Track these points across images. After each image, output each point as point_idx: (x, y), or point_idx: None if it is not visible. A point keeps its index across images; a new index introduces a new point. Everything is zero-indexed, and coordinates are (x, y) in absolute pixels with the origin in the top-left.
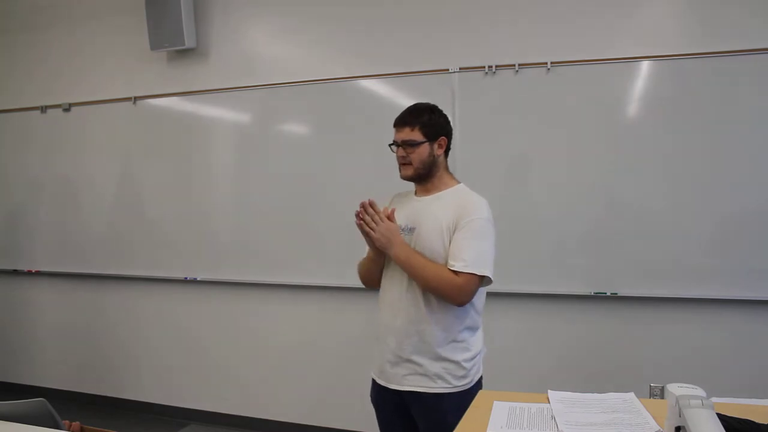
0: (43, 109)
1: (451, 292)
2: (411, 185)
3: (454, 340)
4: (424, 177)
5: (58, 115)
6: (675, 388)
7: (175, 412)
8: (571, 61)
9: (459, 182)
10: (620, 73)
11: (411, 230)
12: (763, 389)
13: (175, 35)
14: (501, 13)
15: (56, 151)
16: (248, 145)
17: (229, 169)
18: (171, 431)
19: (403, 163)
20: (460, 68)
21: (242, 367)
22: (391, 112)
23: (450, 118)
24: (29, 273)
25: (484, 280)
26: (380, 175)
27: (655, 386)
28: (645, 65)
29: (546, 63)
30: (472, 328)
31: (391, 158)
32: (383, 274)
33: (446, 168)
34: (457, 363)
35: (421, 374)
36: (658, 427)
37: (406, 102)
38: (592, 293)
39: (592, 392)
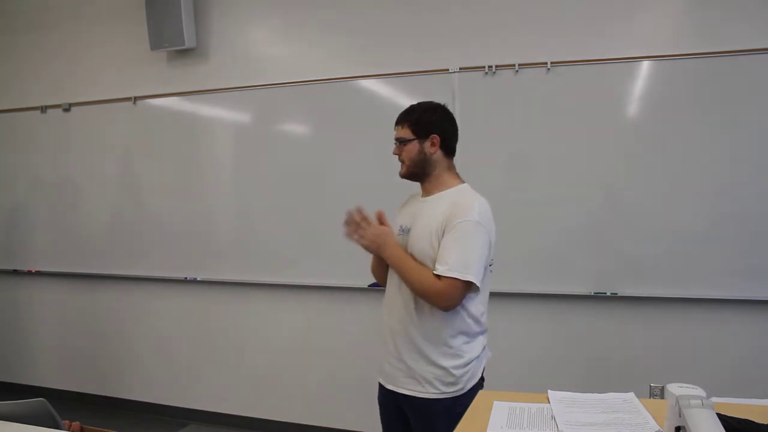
0: (44, 109)
1: (433, 297)
2: (418, 187)
3: (446, 345)
4: (419, 176)
5: (58, 115)
6: (675, 388)
7: (175, 412)
8: (571, 61)
9: (463, 182)
10: (620, 73)
11: (407, 231)
12: (763, 389)
13: (175, 35)
14: (501, 14)
15: (56, 151)
16: (248, 145)
17: (229, 169)
18: (171, 431)
19: (400, 161)
20: (460, 68)
21: (242, 367)
22: (391, 112)
23: (454, 118)
24: (29, 273)
25: (471, 285)
26: (380, 175)
27: (655, 386)
28: (645, 65)
29: (546, 63)
30: (466, 334)
31: (392, 158)
32: (388, 273)
33: (448, 168)
34: (445, 369)
35: (411, 377)
36: (658, 427)
37: (407, 102)
38: (592, 293)
39: (592, 392)
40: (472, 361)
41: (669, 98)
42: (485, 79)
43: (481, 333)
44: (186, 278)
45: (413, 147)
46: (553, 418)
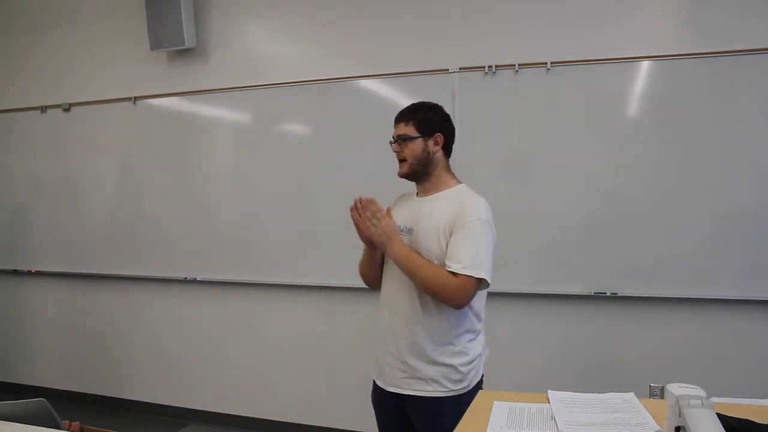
0: (44, 109)
1: (448, 294)
2: (414, 186)
3: (451, 344)
4: (421, 175)
5: (59, 115)
6: (675, 388)
7: (175, 412)
8: (571, 61)
9: (461, 182)
10: (620, 73)
11: (409, 231)
12: (763, 389)
13: (175, 35)
14: (501, 14)
15: (56, 151)
16: (248, 145)
17: (229, 169)
18: (171, 431)
19: (399, 159)
20: (460, 68)
21: (242, 367)
22: (391, 112)
23: (451, 119)
24: (29, 273)
25: (482, 283)
26: (380, 175)
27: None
28: (645, 65)
29: (546, 63)
30: (471, 332)
31: (392, 158)
32: (383, 273)
33: (446, 167)
34: (452, 367)
35: (416, 377)
36: (658, 427)
37: (406, 102)
38: (592, 293)
39: (592, 392)
40: (476, 358)
41: (669, 98)
42: (485, 79)
43: (482, 331)
44: (186, 278)
45: (417, 145)
46: (553, 418)
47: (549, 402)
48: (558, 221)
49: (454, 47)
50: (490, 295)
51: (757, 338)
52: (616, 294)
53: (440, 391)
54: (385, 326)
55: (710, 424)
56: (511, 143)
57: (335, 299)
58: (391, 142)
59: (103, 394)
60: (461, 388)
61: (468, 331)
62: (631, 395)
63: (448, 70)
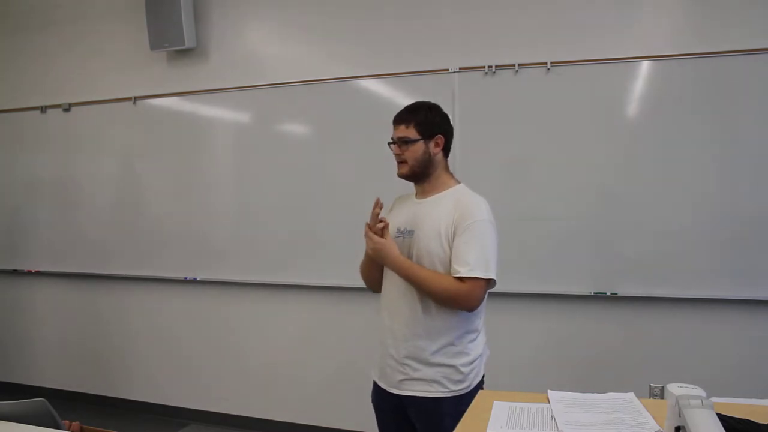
0: (43, 109)
1: (459, 300)
2: (412, 187)
3: (451, 345)
4: (421, 176)
5: (58, 115)
6: (675, 388)
7: (175, 412)
8: (571, 61)
9: (459, 182)
10: (620, 73)
11: (410, 233)
12: (763, 389)
13: (175, 35)
14: (501, 13)
15: (56, 151)
16: (248, 145)
17: (229, 169)
18: (171, 431)
19: (399, 161)
20: (460, 68)
21: (242, 366)
22: (391, 112)
23: (450, 118)
24: (29, 273)
25: (490, 282)
26: (380, 176)
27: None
28: (644, 65)
29: (546, 63)
30: (472, 332)
31: (391, 158)
32: (384, 275)
33: (446, 168)
34: (454, 367)
35: (417, 379)
36: (658, 427)
37: (406, 102)
38: (592, 293)
39: (592, 392)
40: (477, 358)
41: (668, 98)
42: (485, 79)
43: (482, 331)
44: (186, 278)
45: (418, 147)
46: (553, 418)
47: (549, 402)
48: (558, 221)
49: (454, 47)
50: (490, 295)
51: (757, 338)
52: (616, 294)
53: (441, 392)
54: (386, 327)
55: (710, 424)
56: (511, 143)
57: (335, 299)
58: (390, 144)
59: (103, 394)
60: (462, 389)
61: (468, 332)
62: (631, 395)
63: (448, 70)
